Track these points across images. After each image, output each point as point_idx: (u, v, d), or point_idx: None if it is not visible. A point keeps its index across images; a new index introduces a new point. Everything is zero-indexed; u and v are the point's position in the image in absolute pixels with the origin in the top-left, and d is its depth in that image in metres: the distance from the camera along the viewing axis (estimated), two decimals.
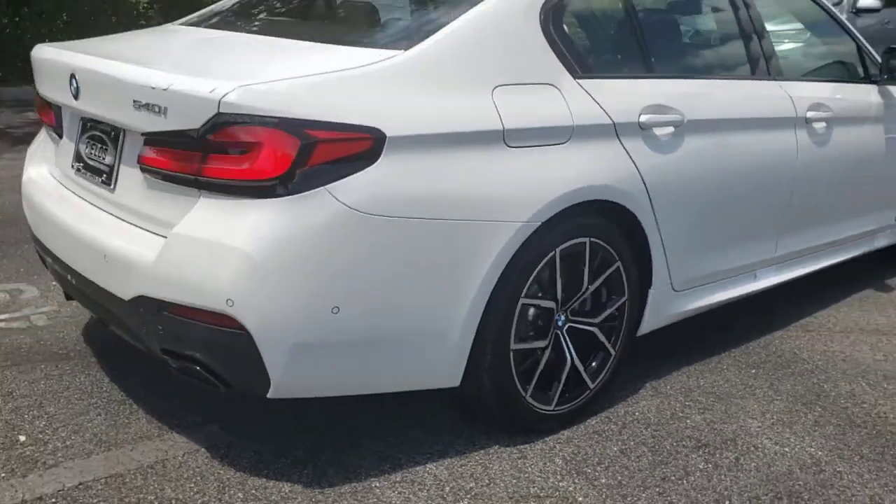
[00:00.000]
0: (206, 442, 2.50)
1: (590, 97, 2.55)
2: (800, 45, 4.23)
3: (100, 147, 2.51)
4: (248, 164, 2.03)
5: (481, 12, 2.45)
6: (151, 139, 2.20)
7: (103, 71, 2.37)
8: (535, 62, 2.50)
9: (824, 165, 3.40)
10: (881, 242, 4.05)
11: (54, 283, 3.32)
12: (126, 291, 2.25)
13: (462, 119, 2.27)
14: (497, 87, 2.36)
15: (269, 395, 2.17)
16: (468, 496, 2.29)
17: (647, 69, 2.87)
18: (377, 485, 2.32)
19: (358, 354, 2.21)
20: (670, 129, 2.75)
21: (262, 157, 2.02)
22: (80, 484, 2.28)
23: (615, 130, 2.59)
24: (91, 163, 2.55)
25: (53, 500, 2.21)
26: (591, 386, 2.70)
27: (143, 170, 2.26)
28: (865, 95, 3.72)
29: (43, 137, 3.02)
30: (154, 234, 2.23)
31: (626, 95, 2.67)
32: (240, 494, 2.26)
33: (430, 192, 2.18)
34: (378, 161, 2.10)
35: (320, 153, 2.05)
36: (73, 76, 2.47)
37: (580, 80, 2.55)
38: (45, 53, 2.77)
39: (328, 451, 2.47)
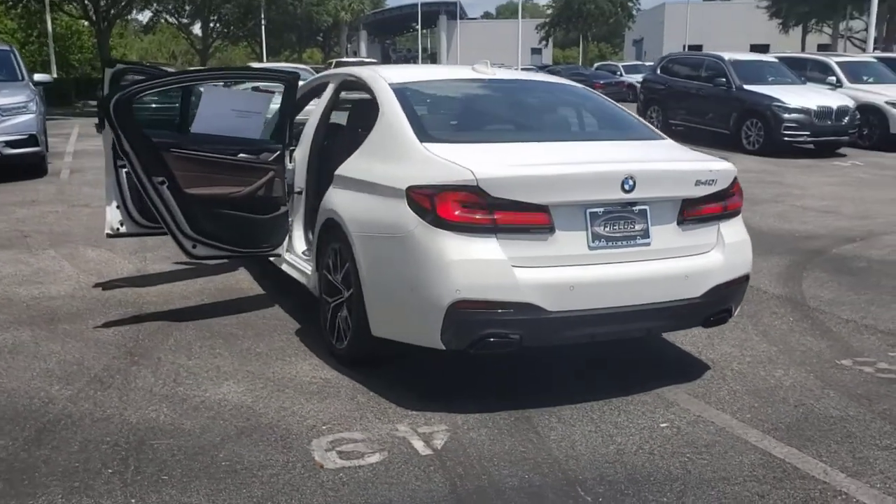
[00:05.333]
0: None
1: None
2: None
3: (624, 222, 3.72)
4: (736, 200, 4.07)
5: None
6: (693, 201, 3.85)
7: (666, 168, 3.78)
8: None
9: None
10: None
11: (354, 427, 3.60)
12: (699, 290, 3.85)
13: None
14: None
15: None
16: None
17: None
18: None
19: None
20: None
21: (741, 197, 4.10)
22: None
23: None
24: (617, 235, 3.70)
25: None
26: None
27: (680, 221, 3.85)
28: None
29: (489, 241, 3.50)
30: (698, 253, 3.90)
31: None
32: None
33: None
34: None
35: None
36: (628, 178, 3.63)
37: None
38: (583, 168, 3.71)
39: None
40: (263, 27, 47.67)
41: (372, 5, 60.72)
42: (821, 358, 4.56)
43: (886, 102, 16.54)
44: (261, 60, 48.88)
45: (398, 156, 3.99)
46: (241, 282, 6.07)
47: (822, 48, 48.28)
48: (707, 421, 3.70)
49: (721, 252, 3.98)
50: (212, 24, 46.45)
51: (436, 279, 3.54)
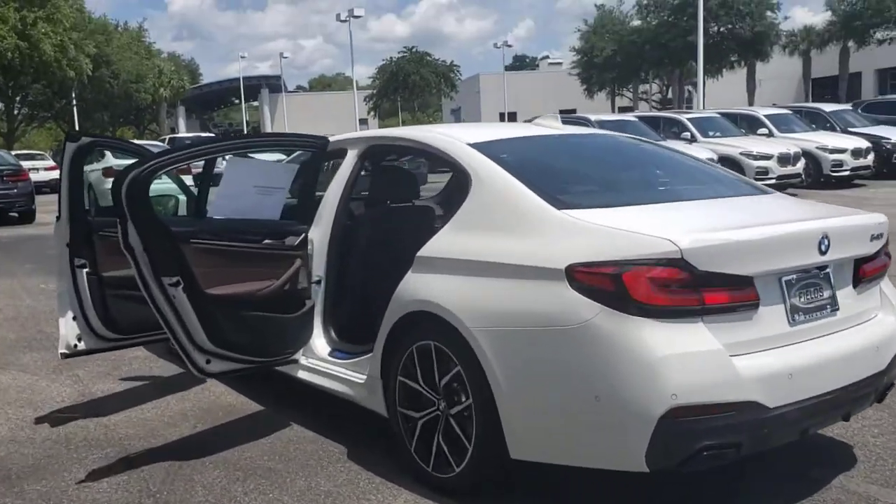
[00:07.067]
0: None
1: None
2: None
3: (814, 289, 3.15)
4: (890, 255, 3.59)
5: None
6: (865, 259, 3.35)
7: (854, 223, 3.21)
8: None
9: None
10: None
11: None
12: (885, 361, 3.32)
13: None
14: None
15: None
16: None
17: None
18: None
19: None
20: None
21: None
22: None
23: None
24: (811, 306, 3.11)
25: None
26: None
27: (856, 283, 3.33)
28: None
29: (698, 327, 2.78)
30: (870, 319, 3.39)
31: None
32: None
33: None
34: None
35: None
36: (825, 237, 3.06)
37: None
38: (785, 228, 3.11)
39: None
40: (75, 107, 44.58)
41: (190, 81, 58.68)
42: None
43: (741, 154, 17.57)
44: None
45: (527, 228, 3.22)
46: (222, 396, 4.94)
47: (623, 110, 52.02)
48: None
49: (892, 314, 3.49)
50: (17, 107, 42.68)
51: (641, 382, 2.77)
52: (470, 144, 3.72)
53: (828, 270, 3.23)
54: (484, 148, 3.68)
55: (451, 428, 3.38)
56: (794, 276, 3.11)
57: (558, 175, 3.79)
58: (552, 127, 4.23)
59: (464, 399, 3.30)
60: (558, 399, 2.99)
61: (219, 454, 3.98)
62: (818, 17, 65.09)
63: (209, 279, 3.70)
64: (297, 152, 4.84)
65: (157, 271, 3.56)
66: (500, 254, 3.21)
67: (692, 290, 2.83)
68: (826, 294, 3.22)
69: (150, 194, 3.64)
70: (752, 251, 2.96)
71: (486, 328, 3.16)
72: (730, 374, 2.82)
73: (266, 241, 3.97)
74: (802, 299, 3.13)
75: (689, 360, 2.79)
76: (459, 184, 3.64)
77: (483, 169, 3.53)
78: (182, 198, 5.29)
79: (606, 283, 2.85)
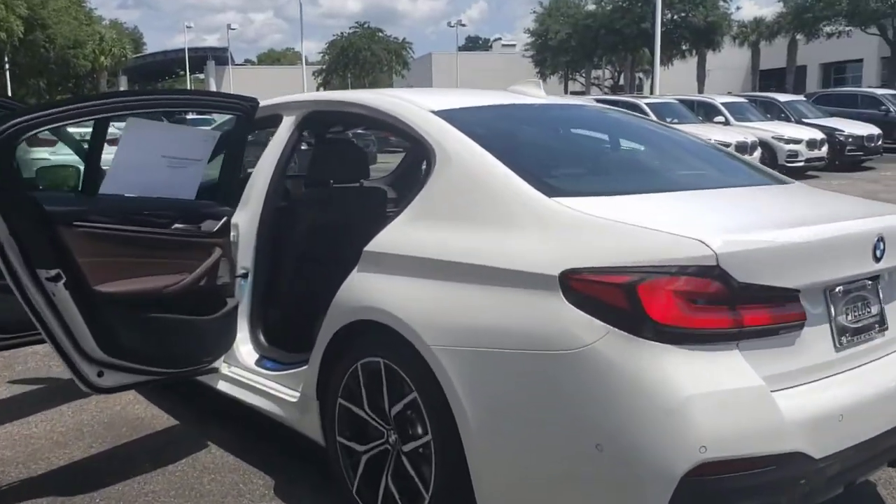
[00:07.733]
0: None
1: None
2: None
3: (862, 304, 2.52)
4: None
5: None
6: None
7: None
8: None
9: None
10: None
11: None
12: None
13: None
14: None
15: None
16: None
17: None
18: None
19: None
20: None
21: None
22: None
23: None
24: (859, 325, 2.49)
25: None
26: None
27: None
28: None
29: (733, 355, 2.13)
30: None
31: None
32: None
33: None
34: None
35: None
36: (880, 239, 2.43)
37: None
38: (838, 228, 2.43)
39: None
40: (8, 72, 42.41)
41: (133, 50, 56.45)
42: None
43: None
44: None
45: (508, 219, 2.52)
46: (129, 406, 4.16)
47: (575, 94, 51.84)
48: None
49: None
50: None
51: (659, 430, 2.10)
52: (434, 112, 2.99)
53: (878, 281, 2.60)
54: (451, 117, 2.96)
55: (403, 468, 2.68)
56: (841, 289, 2.47)
57: (547, 153, 3.10)
58: (533, 95, 3.53)
59: (421, 433, 2.61)
60: (546, 444, 2.30)
61: (114, 486, 3.23)
62: (766, 10, 65.79)
63: (101, 272, 2.92)
64: (221, 118, 4.07)
65: (29, 261, 2.78)
66: (471, 252, 2.51)
67: (728, 307, 2.17)
68: (874, 310, 2.59)
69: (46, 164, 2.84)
70: (800, 257, 2.31)
71: (451, 347, 2.46)
72: (773, 417, 2.16)
73: (176, 225, 3.19)
74: (850, 317, 2.49)
75: (723, 400, 2.13)
76: (419, 161, 2.93)
77: (451, 143, 2.81)
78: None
79: (616, 296, 2.17)
